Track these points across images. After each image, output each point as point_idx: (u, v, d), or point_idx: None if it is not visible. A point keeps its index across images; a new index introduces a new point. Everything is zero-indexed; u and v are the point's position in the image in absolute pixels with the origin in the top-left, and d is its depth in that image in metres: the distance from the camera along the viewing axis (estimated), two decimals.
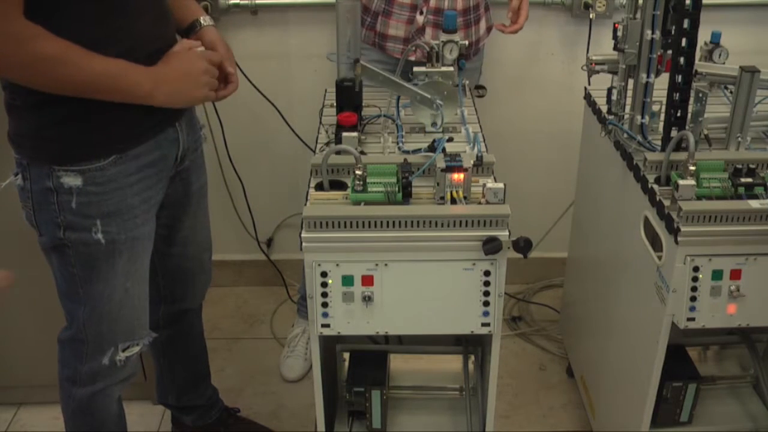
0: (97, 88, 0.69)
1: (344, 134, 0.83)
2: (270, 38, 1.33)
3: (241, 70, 1.05)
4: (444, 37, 0.89)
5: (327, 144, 0.88)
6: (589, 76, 0.94)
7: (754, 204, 0.76)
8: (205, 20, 0.85)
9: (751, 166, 0.80)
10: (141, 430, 1.16)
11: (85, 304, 0.79)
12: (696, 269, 0.77)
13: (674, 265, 0.77)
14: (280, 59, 1.35)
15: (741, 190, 0.79)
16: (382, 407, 0.92)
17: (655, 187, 0.82)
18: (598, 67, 0.90)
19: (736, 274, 0.77)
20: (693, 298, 0.78)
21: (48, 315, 0.93)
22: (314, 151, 0.89)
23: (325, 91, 1.05)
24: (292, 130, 1.37)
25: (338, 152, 0.79)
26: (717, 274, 0.77)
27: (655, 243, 0.82)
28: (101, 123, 0.72)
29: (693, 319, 0.78)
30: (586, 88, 1.09)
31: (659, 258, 0.81)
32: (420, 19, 1.09)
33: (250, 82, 1.26)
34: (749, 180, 0.79)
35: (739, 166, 0.81)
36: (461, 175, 0.74)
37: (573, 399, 1.22)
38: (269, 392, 1.25)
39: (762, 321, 0.80)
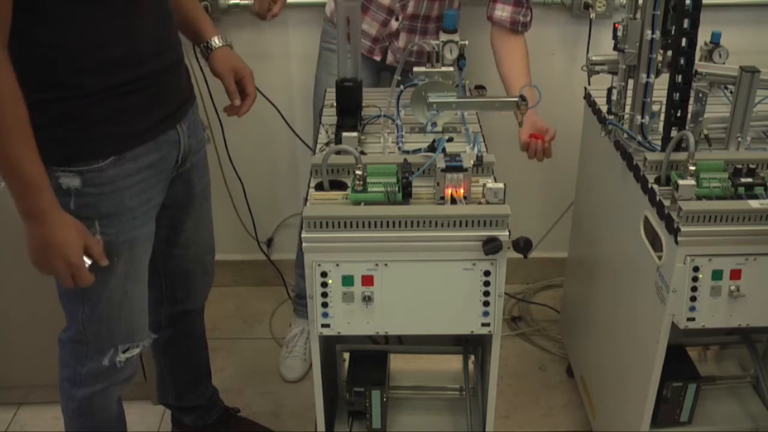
0: (1, 167, 0.65)
1: (344, 134, 0.83)
2: (270, 38, 1.33)
3: None
4: (444, 37, 0.89)
5: (327, 144, 0.88)
6: (590, 77, 0.93)
7: (754, 204, 0.76)
8: (216, 42, 0.86)
9: (751, 166, 0.80)
10: (141, 430, 1.16)
11: (84, 304, 0.79)
12: (696, 269, 0.77)
13: (674, 265, 0.77)
14: (280, 59, 1.35)
15: (741, 190, 0.79)
16: (382, 407, 0.92)
17: (655, 187, 0.82)
18: (598, 68, 0.90)
19: (736, 274, 0.77)
20: (693, 298, 0.78)
21: (48, 315, 0.93)
22: (314, 151, 0.89)
23: (325, 91, 1.05)
24: (292, 130, 1.37)
25: (338, 152, 0.79)
26: (717, 274, 0.77)
27: (655, 243, 0.82)
28: (100, 124, 0.72)
29: (693, 319, 0.78)
30: (586, 88, 1.09)
31: (659, 258, 0.81)
32: (395, 24, 1.09)
33: None
34: (749, 180, 0.79)
35: (739, 166, 0.81)
36: (461, 176, 0.73)
37: (573, 399, 1.22)
38: (269, 392, 1.25)
39: (762, 321, 0.80)
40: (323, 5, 1.29)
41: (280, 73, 1.34)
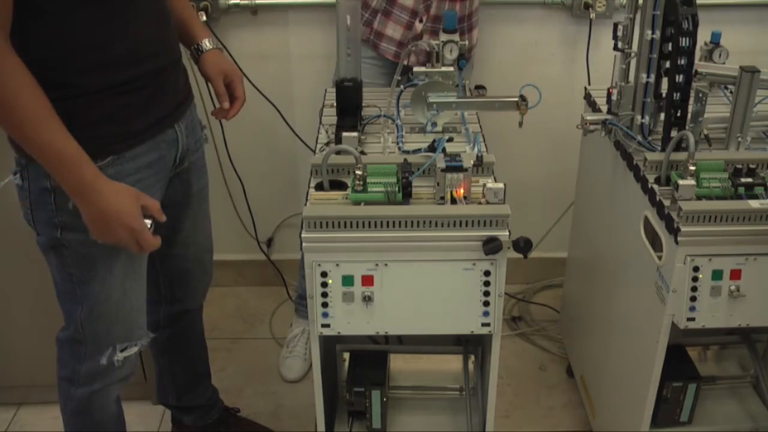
0: (37, 153, 0.66)
1: (344, 134, 0.83)
2: (270, 38, 1.33)
3: (240, 70, 1.07)
4: (444, 37, 0.89)
5: (327, 144, 0.88)
6: (584, 135, 0.93)
7: (754, 204, 0.76)
8: (206, 45, 0.85)
9: (751, 166, 0.80)
10: (141, 430, 1.16)
11: (82, 304, 0.79)
12: (696, 269, 0.77)
13: (674, 265, 0.77)
14: (280, 59, 1.35)
15: (741, 190, 0.79)
16: (382, 407, 0.92)
17: (655, 187, 0.82)
18: (592, 127, 0.90)
19: (736, 274, 0.77)
20: (693, 298, 0.78)
21: (48, 315, 0.93)
22: (314, 151, 0.89)
23: (325, 91, 1.05)
24: (292, 130, 1.37)
25: (338, 152, 0.79)
26: (717, 274, 0.77)
27: (655, 243, 0.82)
28: (99, 124, 0.72)
29: (693, 319, 0.79)
30: (586, 88, 1.09)
31: (659, 258, 0.81)
32: (419, 26, 1.09)
33: (250, 82, 1.26)
34: (749, 180, 0.79)
35: (739, 166, 0.81)
36: (461, 176, 0.73)
37: (573, 399, 1.22)
38: (269, 392, 1.25)
39: (762, 321, 0.80)
40: (324, 5, 1.29)
41: (279, 73, 1.34)
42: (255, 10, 1.28)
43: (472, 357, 0.99)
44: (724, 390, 1.03)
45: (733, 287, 0.77)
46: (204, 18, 1.23)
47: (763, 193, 0.78)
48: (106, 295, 0.79)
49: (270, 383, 1.27)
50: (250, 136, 1.38)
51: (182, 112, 0.82)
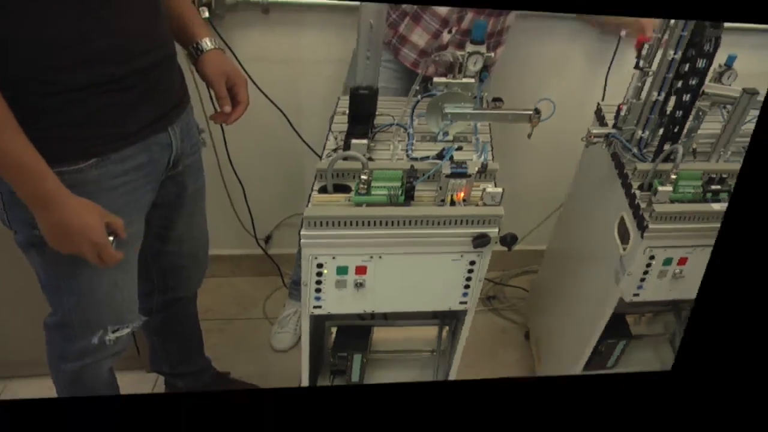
0: None
1: (353, 141, 0.80)
2: (281, 39, 1.16)
3: (245, 71, 0.93)
4: (470, 47, 0.84)
5: (335, 150, 0.85)
6: (587, 146, 0.93)
7: (716, 207, 0.85)
8: (207, 44, 0.77)
9: (724, 176, 0.89)
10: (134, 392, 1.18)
11: (69, 296, 0.77)
12: (652, 258, 0.87)
13: (636, 255, 0.86)
14: (290, 63, 1.19)
15: (708, 195, 0.88)
16: (361, 367, 0.98)
17: (637, 192, 0.89)
18: (595, 139, 0.90)
19: (683, 261, 0.88)
20: (642, 279, 0.88)
21: (40, 299, 0.88)
22: (320, 157, 0.85)
23: (338, 99, 0.97)
24: (299, 136, 1.25)
25: (345, 158, 0.77)
26: (667, 261, 0.88)
27: (624, 238, 0.91)
28: (80, 125, 0.67)
29: (638, 295, 0.90)
30: (598, 104, 1.08)
31: (624, 249, 0.90)
32: (446, 37, 1.03)
33: (257, 86, 1.11)
34: (718, 187, 0.88)
35: (713, 176, 0.89)
36: (463, 181, 0.74)
37: (525, 355, 1.35)
38: (259, 360, 1.27)
39: (691, 295, 0.95)
40: (346, 8, 1.11)
41: (288, 78, 1.20)
42: (266, 8, 1.10)
43: (447, 328, 1.08)
44: (646, 344, 1.19)
45: (677, 271, 0.88)
46: (206, 14, 1.07)
47: (726, 198, 0.87)
48: (94, 288, 0.77)
49: (260, 354, 1.29)
50: (254, 141, 1.26)
51: (177, 115, 0.77)
